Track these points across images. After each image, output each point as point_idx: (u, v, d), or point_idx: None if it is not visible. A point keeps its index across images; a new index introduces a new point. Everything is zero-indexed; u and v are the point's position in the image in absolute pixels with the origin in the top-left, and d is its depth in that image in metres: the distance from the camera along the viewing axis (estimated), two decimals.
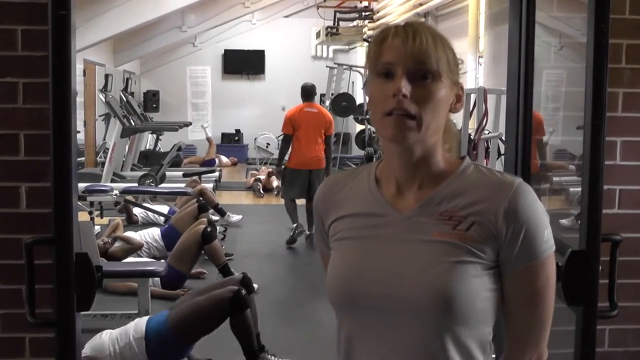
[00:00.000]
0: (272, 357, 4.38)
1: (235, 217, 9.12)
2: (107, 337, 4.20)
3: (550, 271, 1.38)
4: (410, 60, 1.33)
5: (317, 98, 16.20)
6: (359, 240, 1.43)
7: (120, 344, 4.14)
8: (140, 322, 4.25)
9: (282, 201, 8.59)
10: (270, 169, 12.42)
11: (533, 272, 1.36)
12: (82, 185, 8.02)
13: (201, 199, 7.72)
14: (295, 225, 8.06)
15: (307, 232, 8.12)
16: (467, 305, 1.33)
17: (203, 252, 6.25)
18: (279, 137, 14.35)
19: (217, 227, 7.17)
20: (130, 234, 6.81)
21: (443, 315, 1.33)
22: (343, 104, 12.91)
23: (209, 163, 14.87)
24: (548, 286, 1.38)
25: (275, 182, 11.97)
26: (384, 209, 1.42)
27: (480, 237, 1.35)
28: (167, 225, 7.06)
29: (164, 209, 8.83)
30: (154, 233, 6.93)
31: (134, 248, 6.51)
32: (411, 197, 1.41)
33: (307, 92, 8.26)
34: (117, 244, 6.46)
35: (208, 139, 15.87)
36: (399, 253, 1.38)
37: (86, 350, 4.10)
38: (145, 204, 8.90)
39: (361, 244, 1.42)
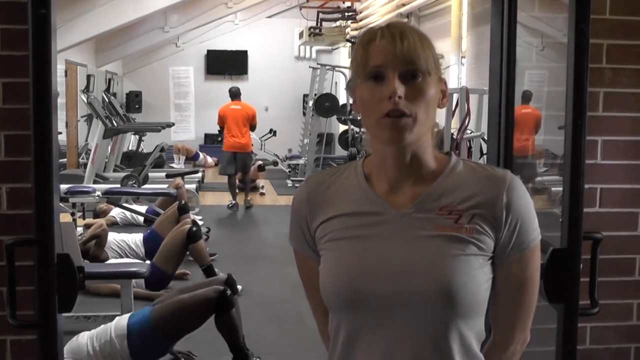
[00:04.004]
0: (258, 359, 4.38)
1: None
2: (84, 339, 4.17)
3: (538, 257, 1.44)
4: (401, 62, 1.34)
5: (300, 98, 16.41)
6: (357, 240, 1.42)
7: (100, 341, 4.12)
8: (122, 320, 4.25)
9: (266, 202, 9.61)
10: (260, 163, 12.49)
11: (525, 259, 1.41)
12: (64, 187, 7.96)
13: (182, 201, 7.66)
14: (234, 202, 10.43)
15: (233, 202, 10.49)
16: (472, 297, 1.36)
17: (188, 252, 6.23)
18: (262, 137, 14.42)
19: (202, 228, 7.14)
20: (112, 235, 6.76)
21: (449, 307, 1.35)
22: (326, 104, 12.89)
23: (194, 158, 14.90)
24: (536, 271, 1.44)
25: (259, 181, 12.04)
26: (380, 207, 1.42)
27: (481, 229, 1.38)
28: (149, 231, 7.02)
29: (143, 208, 8.78)
30: (136, 238, 6.88)
31: (99, 235, 6.41)
32: (406, 195, 1.41)
33: (233, 93, 10.72)
34: (89, 244, 6.37)
35: None
36: (402, 249, 1.38)
37: (64, 354, 4.06)
38: (126, 204, 8.85)
39: (360, 243, 1.41)
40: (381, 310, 1.37)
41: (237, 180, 10.64)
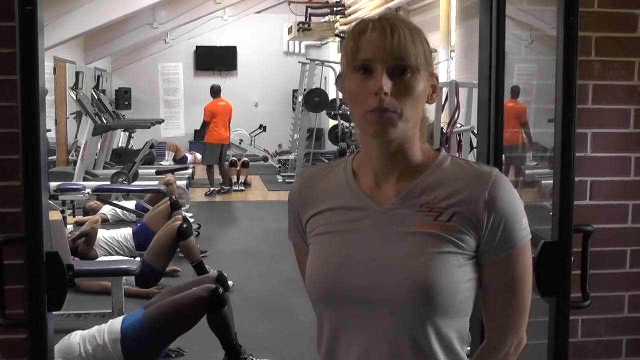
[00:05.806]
0: (251, 357, 4.37)
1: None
2: (76, 339, 4.13)
3: (527, 258, 1.41)
4: (390, 57, 1.32)
5: (290, 94, 16.41)
6: (340, 235, 1.42)
7: (93, 344, 4.08)
8: (115, 323, 4.20)
9: (257, 198, 9.91)
10: (245, 159, 12.51)
11: (512, 260, 1.38)
12: (54, 184, 7.93)
13: (173, 197, 7.65)
14: (212, 189, 11.67)
15: (210, 189, 11.71)
16: (449, 296, 1.34)
17: (178, 249, 6.22)
18: (252, 133, 14.39)
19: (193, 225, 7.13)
20: (101, 233, 6.73)
21: (425, 306, 1.33)
22: (316, 99, 12.89)
23: (181, 161, 14.83)
24: (526, 273, 1.41)
25: (235, 178, 12.10)
26: (364, 202, 1.42)
27: (461, 227, 1.36)
28: (139, 225, 7.00)
29: (132, 204, 8.75)
30: (126, 233, 6.86)
31: (89, 233, 6.39)
32: (390, 190, 1.41)
33: (216, 91, 11.93)
34: (78, 242, 6.34)
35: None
36: (380, 245, 1.37)
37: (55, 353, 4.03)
38: (116, 202, 8.82)
39: (342, 238, 1.42)
40: (359, 306, 1.37)
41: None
